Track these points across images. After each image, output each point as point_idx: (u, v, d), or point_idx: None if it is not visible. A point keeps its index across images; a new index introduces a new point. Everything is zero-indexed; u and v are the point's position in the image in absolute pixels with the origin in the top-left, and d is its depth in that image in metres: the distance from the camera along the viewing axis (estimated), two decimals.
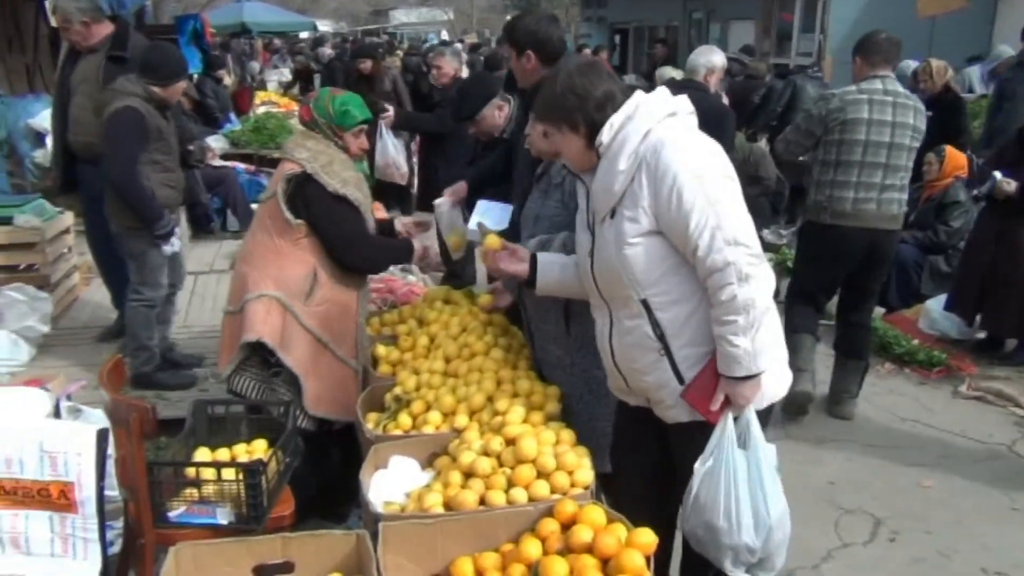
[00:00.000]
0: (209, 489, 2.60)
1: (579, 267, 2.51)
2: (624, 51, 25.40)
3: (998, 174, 5.07)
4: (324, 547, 2.29)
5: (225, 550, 2.27)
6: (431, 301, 3.58)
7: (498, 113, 4.12)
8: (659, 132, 2.22)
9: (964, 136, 7.19)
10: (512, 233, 3.07)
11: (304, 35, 25.84)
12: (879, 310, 5.69)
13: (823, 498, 3.90)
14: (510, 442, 2.51)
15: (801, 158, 5.06)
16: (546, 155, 2.92)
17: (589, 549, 2.15)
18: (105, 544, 2.36)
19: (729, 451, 2.24)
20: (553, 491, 2.40)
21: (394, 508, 2.44)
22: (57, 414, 2.99)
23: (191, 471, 2.65)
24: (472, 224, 3.52)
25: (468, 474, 2.46)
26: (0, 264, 5.28)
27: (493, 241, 2.74)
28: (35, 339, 4.88)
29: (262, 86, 15.26)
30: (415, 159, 7.64)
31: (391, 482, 2.54)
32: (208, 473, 2.62)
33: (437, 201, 3.83)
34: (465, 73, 6.85)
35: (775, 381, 2.36)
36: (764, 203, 7.88)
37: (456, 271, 6.15)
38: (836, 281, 4.64)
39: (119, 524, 2.82)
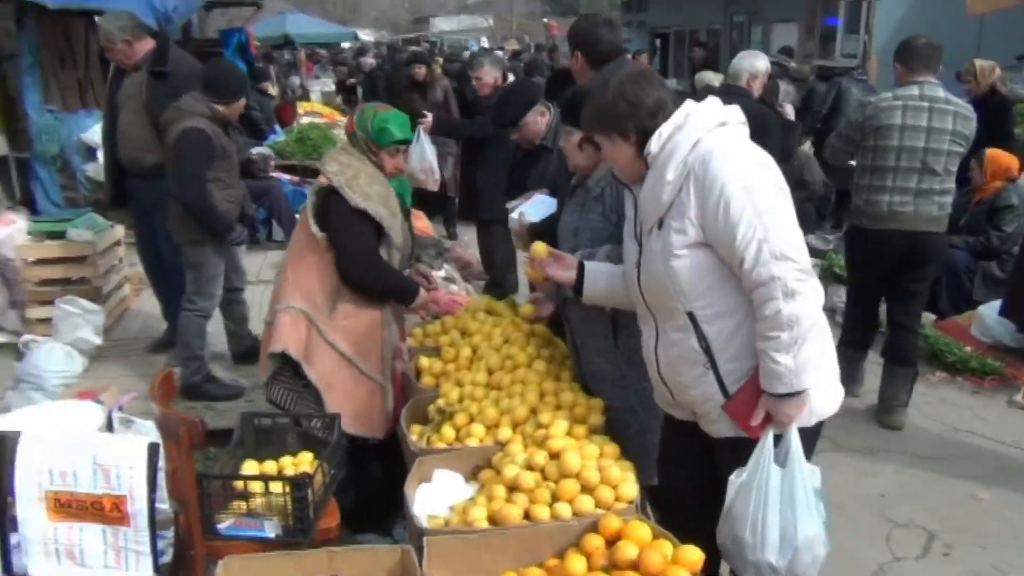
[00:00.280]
0: (257, 502, 2.63)
1: (625, 277, 2.49)
2: (665, 55, 25.24)
3: None
4: (369, 561, 2.31)
5: (273, 564, 2.31)
6: (473, 312, 3.59)
7: (540, 120, 4.12)
8: (708, 142, 2.20)
9: (1011, 140, 7.01)
10: (552, 233, 3.07)
11: (346, 45, 26.13)
12: (929, 316, 5.58)
13: (874, 511, 3.81)
14: (554, 455, 2.51)
15: (852, 162, 5.03)
16: (581, 169, 2.91)
17: (634, 566, 2.14)
18: (156, 555, 2.40)
19: (765, 467, 2.21)
20: (597, 505, 2.39)
21: (438, 522, 2.45)
22: (110, 426, 3.05)
23: (239, 484, 2.68)
24: (513, 214, 3.51)
25: (512, 488, 2.46)
26: (54, 277, 5.42)
27: (539, 249, 2.73)
28: (88, 351, 5.00)
29: (305, 96, 15.44)
30: (455, 171, 7.67)
31: (435, 495, 2.55)
32: (256, 486, 2.65)
33: (511, 205, 3.74)
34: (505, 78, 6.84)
35: (824, 397, 2.32)
36: (810, 208, 7.79)
37: (498, 279, 6.16)
38: (881, 284, 4.63)
39: (170, 534, 2.87)
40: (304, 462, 2.84)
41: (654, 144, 2.24)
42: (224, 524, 2.61)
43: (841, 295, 5.62)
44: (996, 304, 5.54)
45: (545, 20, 39.58)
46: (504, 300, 3.71)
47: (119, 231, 5.89)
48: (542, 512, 2.37)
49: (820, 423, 2.37)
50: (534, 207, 3.48)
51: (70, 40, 8.58)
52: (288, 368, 3.25)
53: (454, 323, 3.55)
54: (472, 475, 2.67)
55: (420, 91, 8.26)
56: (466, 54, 19.20)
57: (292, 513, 2.58)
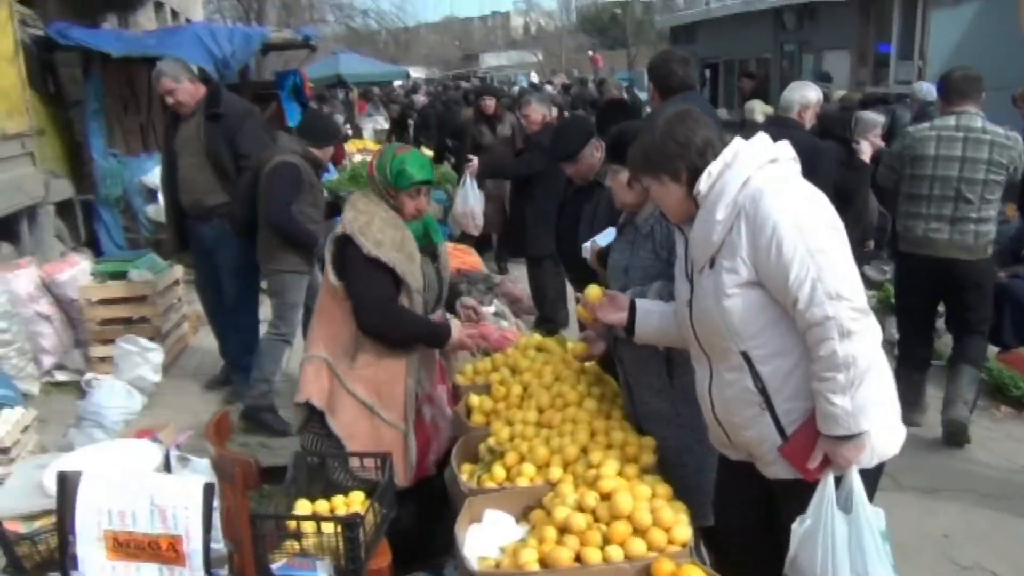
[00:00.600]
0: (309, 542, 2.64)
1: (677, 316, 2.47)
2: (715, 85, 25.16)
3: None
4: None
5: None
6: (524, 349, 3.59)
7: (596, 154, 4.12)
8: (758, 180, 2.18)
9: None
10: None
11: (397, 83, 26.60)
12: (993, 349, 5.41)
13: (938, 552, 3.69)
14: (605, 496, 2.48)
15: None
16: (629, 206, 2.91)
17: None
18: None
19: (828, 513, 2.15)
20: (649, 548, 2.34)
21: (489, 563, 2.43)
22: (167, 465, 3.11)
23: (292, 524, 2.70)
24: (586, 243, 3.48)
25: (563, 529, 2.43)
26: (116, 317, 5.58)
27: (594, 292, 2.73)
28: (147, 388, 5.13)
29: (357, 133, 15.73)
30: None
31: (486, 536, 2.53)
32: (308, 526, 2.66)
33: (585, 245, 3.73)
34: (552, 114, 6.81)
35: (886, 437, 2.26)
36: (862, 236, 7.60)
37: (548, 315, 6.16)
38: (922, 309, 4.78)
39: (224, 572, 2.89)
40: (355, 502, 2.85)
41: (703, 183, 2.23)
42: (277, 564, 2.63)
43: None
44: None
45: (590, 52, 39.86)
46: (555, 337, 3.70)
47: (178, 271, 6.06)
48: (593, 555, 2.33)
49: (880, 464, 2.31)
50: (605, 237, 3.47)
51: (133, 86, 8.92)
52: (316, 417, 3.19)
53: (504, 360, 3.56)
54: (523, 515, 2.65)
55: (489, 124, 8.06)
56: (515, 89, 19.39)
57: (344, 553, 2.58)
